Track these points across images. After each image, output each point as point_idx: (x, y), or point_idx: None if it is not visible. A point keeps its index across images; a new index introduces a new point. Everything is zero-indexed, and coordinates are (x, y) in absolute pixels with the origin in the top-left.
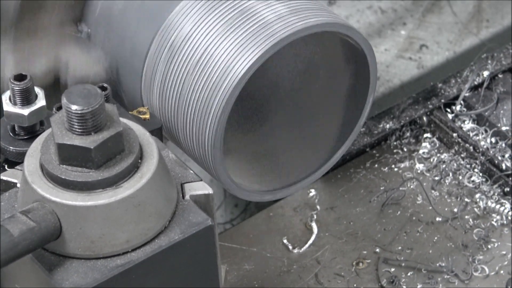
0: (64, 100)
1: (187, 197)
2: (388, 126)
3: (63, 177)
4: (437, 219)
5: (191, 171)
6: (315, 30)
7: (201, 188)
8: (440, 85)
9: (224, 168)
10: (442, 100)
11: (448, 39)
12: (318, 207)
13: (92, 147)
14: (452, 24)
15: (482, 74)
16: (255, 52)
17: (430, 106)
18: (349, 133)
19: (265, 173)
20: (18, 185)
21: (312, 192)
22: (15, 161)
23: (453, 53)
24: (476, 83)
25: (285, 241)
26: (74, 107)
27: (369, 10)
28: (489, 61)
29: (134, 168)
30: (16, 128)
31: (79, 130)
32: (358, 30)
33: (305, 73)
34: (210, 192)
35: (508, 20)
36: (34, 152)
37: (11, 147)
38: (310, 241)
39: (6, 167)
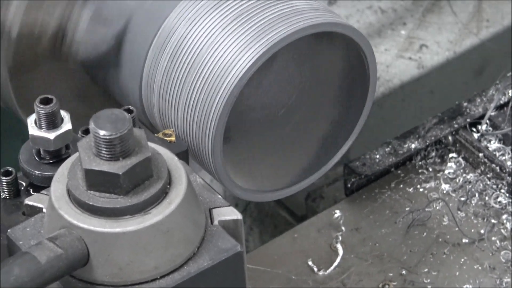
0: (91, 125)
1: (215, 222)
2: (413, 146)
3: (90, 203)
4: (464, 240)
5: (219, 196)
6: (315, 30)
7: (229, 213)
8: (465, 104)
9: (224, 167)
10: (468, 120)
11: (448, 39)
12: (343, 228)
13: (120, 173)
14: (452, 24)
15: (508, 93)
16: (256, 51)
17: (456, 126)
18: (349, 134)
19: (266, 173)
20: (44, 210)
21: (337, 213)
22: (40, 185)
23: (453, 53)
24: (501, 102)
25: (310, 262)
26: (102, 133)
27: (369, 10)
28: None
29: (162, 194)
30: (41, 152)
31: (107, 156)
32: (358, 30)
33: (305, 73)
34: (239, 218)
35: (508, 20)
36: (60, 177)
37: (36, 171)
38: (336, 263)
39: (31, 191)
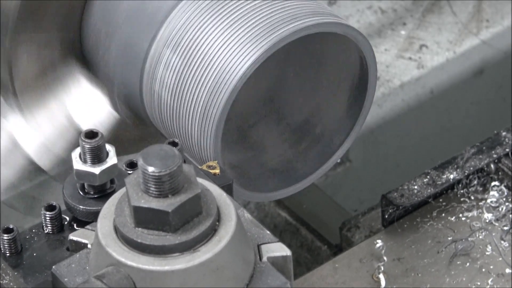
0: (140, 162)
1: (264, 259)
2: (452, 176)
3: (139, 240)
4: (507, 270)
5: (268, 232)
6: (315, 30)
7: (278, 249)
8: (504, 133)
9: (224, 168)
10: (507, 149)
11: (448, 39)
12: (385, 258)
13: (169, 211)
14: (452, 24)
15: None
16: (255, 51)
17: (495, 156)
18: (349, 134)
19: (265, 173)
20: (89, 246)
21: (379, 243)
22: (84, 220)
23: (453, 53)
24: None
25: None
26: (151, 169)
27: (369, 10)
28: None
29: (212, 231)
30: (86, 187)
31: (156, 193)
32: (358, 30)
33: (305, 74)
34: (289, 254)
35: (508, 20)
36: (107, 214)
37: (81, 206)
38: None
39: (75, 226)
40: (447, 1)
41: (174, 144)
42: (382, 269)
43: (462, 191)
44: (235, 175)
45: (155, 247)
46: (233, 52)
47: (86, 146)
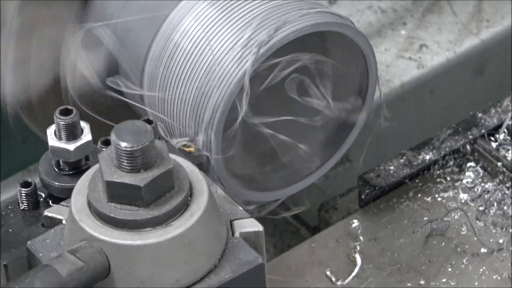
0: (113, 137)
1: (236, 234)
2: (428, 157)
3: (112, 215)
4: (483, 250)
5: (240, 208)
6: (315, 30)
7: (250, 225)
8: (480, 114)
9: (224, 168)
10: (482, 130)
11: (448, 39)
12: (361, 238)
13: (142, 185)
14: (452, 24)
15: None
16: (255, 50)
17: (470, 137)
18: (349, 133)
19: (265, 173)
20: (64, 222)
21: (355, 223)
22: (60, 196)
23: (453, 53)
24: None
25: (328, 273)
26: (123, 144)
27: (369, 10)
28: None
29: (184, 206)
30: (61, 163)
31: (129, 168)
32: (358, 30)
33: (304, 73)
34: (260, 230)
35: (508, 20)
36: (81, 189)
37: (56, 183)
38: (354, 273)
39: (50, 203)
40: (447, 1)
41: (149, 122)
42: (358, 248)
43: (438, 172)
44: (236, 175)
45: (127, 221)
46: (233, 52)
47: (60, 123)
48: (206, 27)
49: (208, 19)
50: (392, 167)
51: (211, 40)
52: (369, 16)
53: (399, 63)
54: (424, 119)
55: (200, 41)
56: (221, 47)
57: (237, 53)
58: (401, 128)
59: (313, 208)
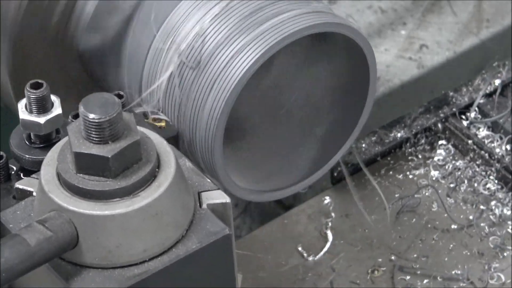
0: (81, 109)
1: (204, 206)
2: (399, 135)
3: (80, 186)
4: (453, 226)
5: (208, 180)
6: (315, 31)
7: (218, 197)
8: (451, 93)
9: (224, 168)
10: (454, 109)
11: (448, 39)
12: (333, 214)
13: (109, 156)
14: (452, 24)
15: (494, 83)
16: (256, 51)
17: (442, 115)
18: (349, 134)
19: (265, 173)
20: (34, 193)
21: (327, 200)
22: (31, 169)
23: (453, 53)
24: (488, 91)
25: (300, 248)
26: (91, 116)
27: (369, 10)
28: (501, 69)
29: (151, 177)
30: (32, 137)
31: (96, 139)
32: (358, 30)
33: (305, 74)
34: (228, 201)
35: (508, 20)
36: (50, 161)
37: (27, 156)
38: (325, 249)
39: (21, 176)
40: (447, 1)
41: (119, 96)
42: (330, 225)
43: (410, 149)
44: (236, 176)
45: (95, 192)
46: (232, 52)
47: (31, 96)
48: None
49: (206, 19)
50: (364, 145)
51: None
52: (369, 16)
53: (399, 63)
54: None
55: (198, 42)
56: (221, 48)
57: (237, 53)
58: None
59: None
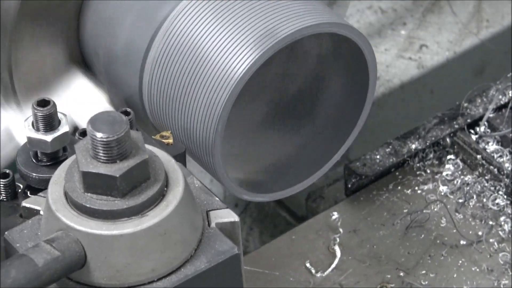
0: (89, 128)
1: (212, 224)
2: (413, 146)
3: (87, 205)
4: (462, 242)
5: (217, 198)
6: (315, 31)
7: (226, 215)
8: (465, 104)
9: (224, 168)
10: (468, 120)
11: (448, 39)
12: (341, 230)
13: (117, 176)
14: (452, 24)
15: (508, 94)
16: (256, 51)
17: (456, 126)
18: (349, 134)
19: (265, 173)
20: (41, 212)
21: (335, 215)
22: (38, 187)
23: (453, 53)
24: (501, 103)
25: (307, 264)
26: (99, 135)
27: (369, 10)
28: None
29: (159, 196)
30: (39, 154)
31: (104, 158)
32: (358, 30)
33: (305, 74)
34: (236, 220)
35: (508, 20)
36: (58, 180)
37: (34, 174)
38: (333, 265)
39: (28, 194)
40: (447, 1)
41: (126, 113)
42: (338, 240)
43: (418, 164)
44: (236, 176)
45: (103, 211)
46: (232, 52)
47: (38, 114)
48: (204, 28)
49: (206, 20)
50: (378, 156)
51: (210, 42)
52: (369, 16)
53: (399, 63)
54: (424, 120)
55: (198, 42)
56: (221, 48)
57: (237, 53)
58: (401, 128)
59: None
